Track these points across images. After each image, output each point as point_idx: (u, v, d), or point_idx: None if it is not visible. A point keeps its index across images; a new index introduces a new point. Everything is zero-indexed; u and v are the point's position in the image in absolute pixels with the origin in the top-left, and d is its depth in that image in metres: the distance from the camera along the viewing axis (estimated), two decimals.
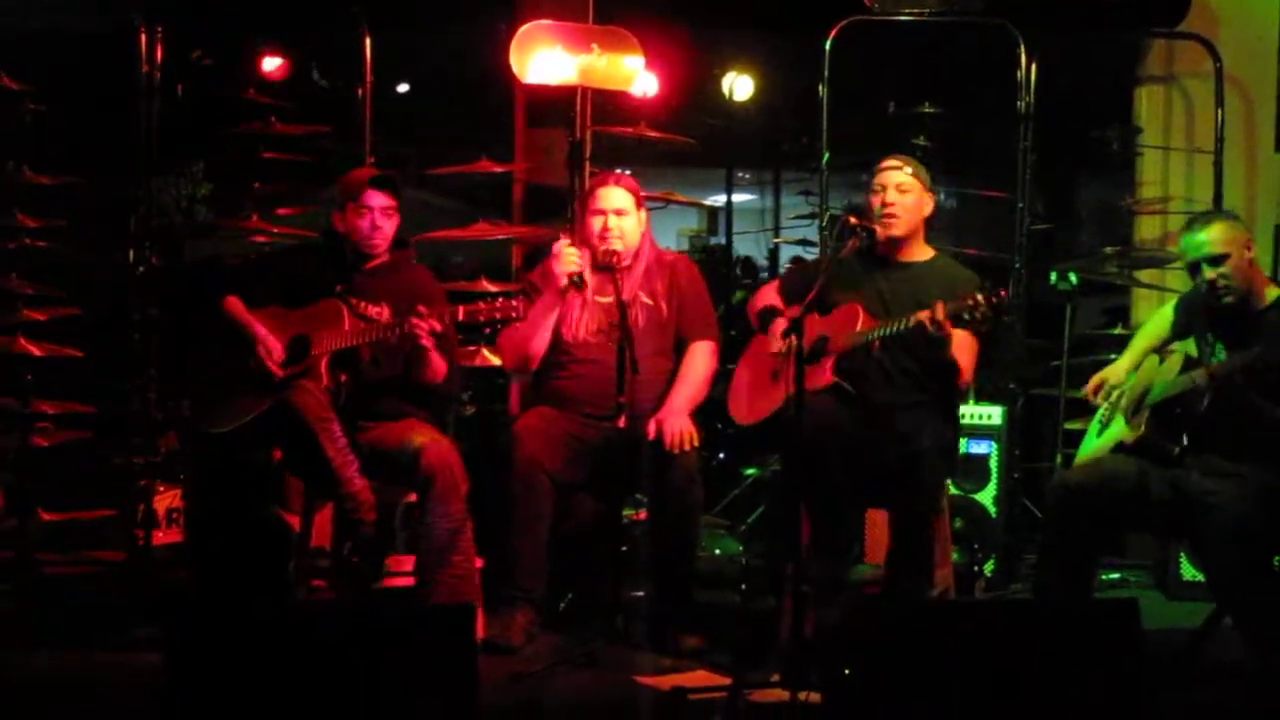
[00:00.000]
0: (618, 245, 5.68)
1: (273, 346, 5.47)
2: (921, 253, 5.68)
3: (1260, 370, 5.03)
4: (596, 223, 5.73)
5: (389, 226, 5.63)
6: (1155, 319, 5.72)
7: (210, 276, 5.75)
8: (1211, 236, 5.22)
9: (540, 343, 5.73)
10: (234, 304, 5.60)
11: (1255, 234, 5.51)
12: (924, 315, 5.16)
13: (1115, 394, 5.56)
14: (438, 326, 5.28)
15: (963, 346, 5.35)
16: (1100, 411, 5.64)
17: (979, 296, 5.07)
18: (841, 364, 5.45)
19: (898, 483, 5.40)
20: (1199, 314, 5.43)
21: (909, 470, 5.35)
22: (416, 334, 5.30)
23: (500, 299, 5.30)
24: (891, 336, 5.36)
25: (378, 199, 5.59)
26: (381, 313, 5.55)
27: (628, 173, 6.16)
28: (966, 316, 5.10)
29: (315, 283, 5.61)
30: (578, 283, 5.60)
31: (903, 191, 5.57)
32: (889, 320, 5.38)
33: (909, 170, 5.60)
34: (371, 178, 5.63)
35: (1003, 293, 5.11)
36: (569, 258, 5.62)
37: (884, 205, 5.57)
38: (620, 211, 5.73)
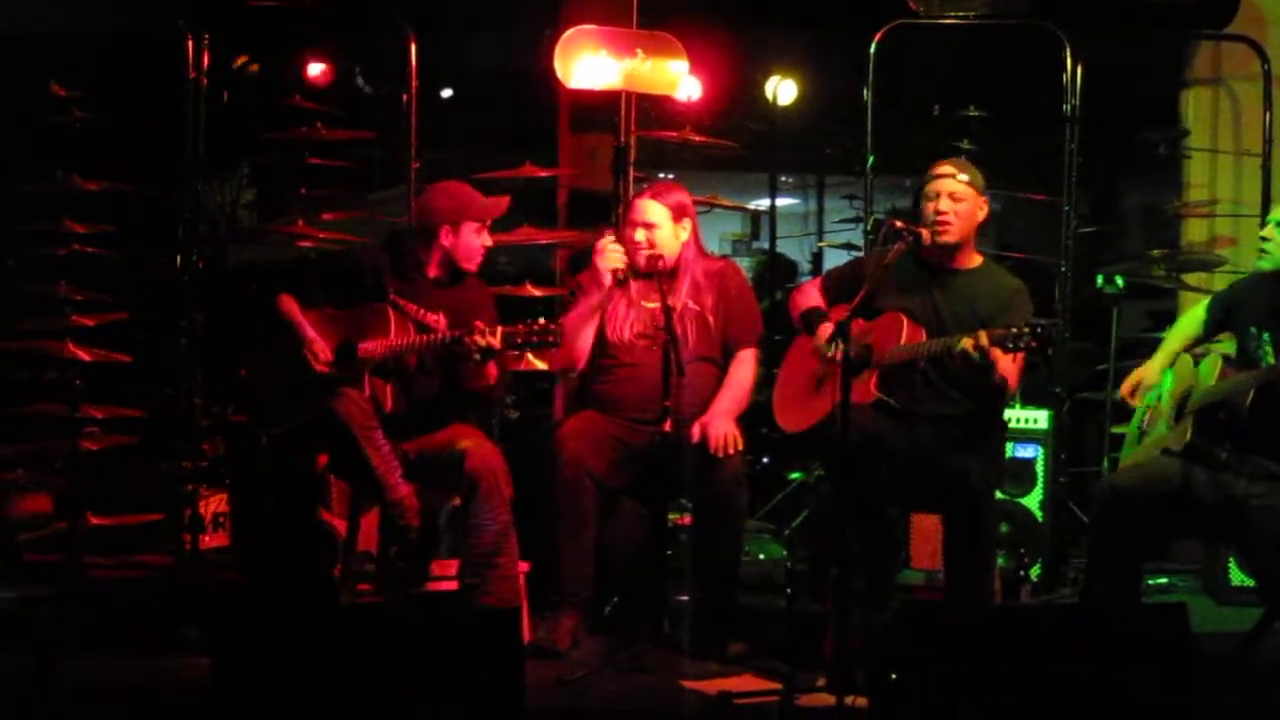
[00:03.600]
0: (650, 258, 5.68)
1: (320, 349, 5.48)
2: (971, 260, 5.61)
3: None
4: (628, 234, 5.77)
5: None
6: (1187, 317, 5.70)
7: (262, 276, 5.74)
8: None
9: (585, 342, 5.74)
10: (288, 302, 5.61)
11: None
12: (968, 343, 5.09)
13: (1152, 396, 5.53)
14: (494, 344, 5.28)
15: (1005, 358, 5.27)
16: (1138, 415, 5.61)
17: (1025, 329, 4.97)
18: (884, 377, 5.42)
19: (946, 493, 5.37)
20: (1244, 306, 5.39)
21: (957, 483, 5.31)
22: (469, 348, 5.30)
23: (539, 322, 5.28)
24: (934, 358, 5.34)
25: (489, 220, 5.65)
26: (439, 320, 5.55)
27: (670, 178, 6.16)
28: (1010, 345, 5.02)
29: (369, 287, 5.62)
30: (622, 280, 5.64)
31: (956, 200, 5.48)
32: (933, 341, 5.32)
33: (964, 177, 5.50)
34: (507, 205, 5.66)
35: (1045, 325, 5.02)
36: (613, 253, 5.65)
37: (937, 214, 5.47)
38: (650, 225, 5.73)
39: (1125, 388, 5.59)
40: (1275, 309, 5.28)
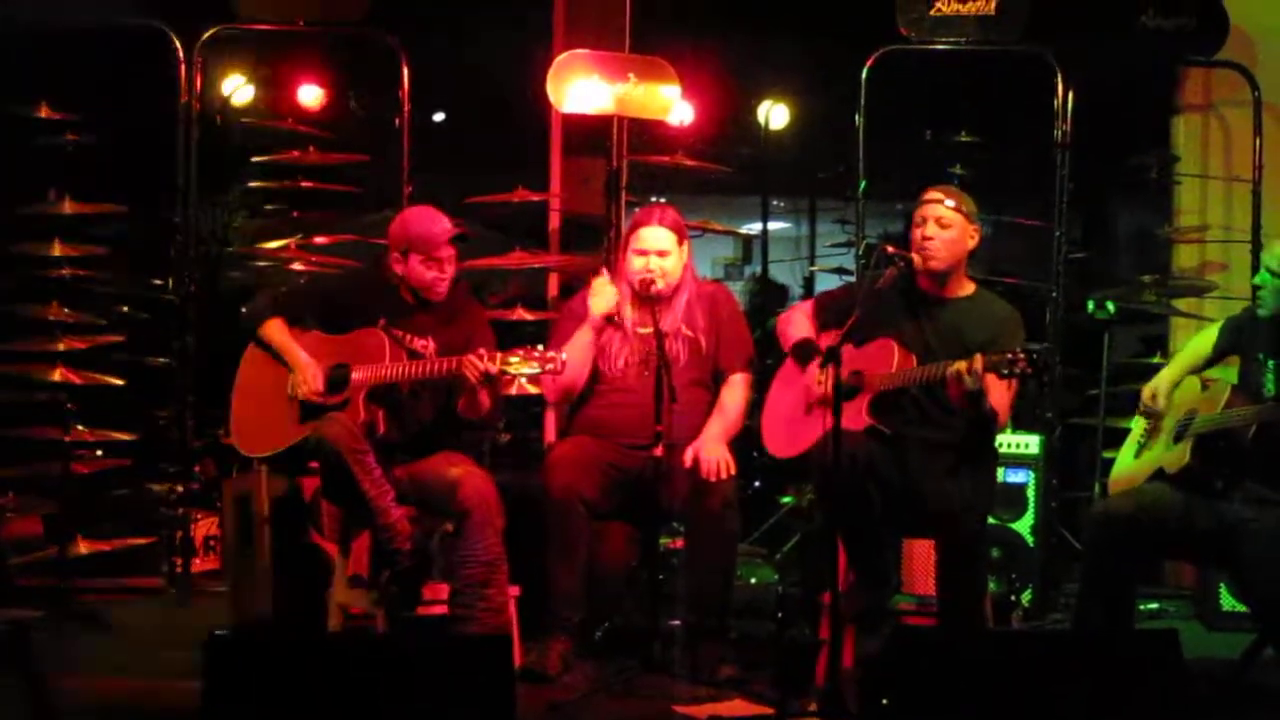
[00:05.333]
0: (660, 284, 5.69)
1: (313, 374, 5.46)
2: (963, 288, 5.57)
3: None
4: (638, 262, 5.72)
5: (452, 272, 5.61)
6: (1200, 338, 5.70)
7: (252, 300, 5.74)
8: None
9: (583, 373, 5.73)
10: (278, 327, 5.60)
11: None
12: (961, 366, 5.06)
13: (1162, 399, 5.53)
14: (493, 370, 5.25)
15: (997, 390, 5.26)
16: (1137, 430, 5.61)
17: (1020, 355, 4.95)
18: (876, 404, 5.41)
19: (937, 519, 5.37)
20: (1252, 334, 5.41)
21: (948, 509, 5.31)
22: (468, 375, 5.28)
23: (539, 350, 5.25)
24: (927, 384, 5.33)
25: (448, 251, 5.57)
26: (427, 346, 5.55)
27: (663, 201, 6.18)
28: (1005, 371, 5.00)
29: (360, 312, 5.59)
30: (612, 320, 5.62)
31: (944, 226, 5.44)
32: (925, 367, 5.29)
33: (951, 204, 5.46)
34: (448, 237, 5.54)
35: (1041, 352, 5.00)
36: (605, 297, 5.62)
37: (923, 239, 5.44)
38: (663, 253, 5.72)
39: (1146, 394, 5.58)
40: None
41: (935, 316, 5.51)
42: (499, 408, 5.71)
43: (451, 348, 5.46)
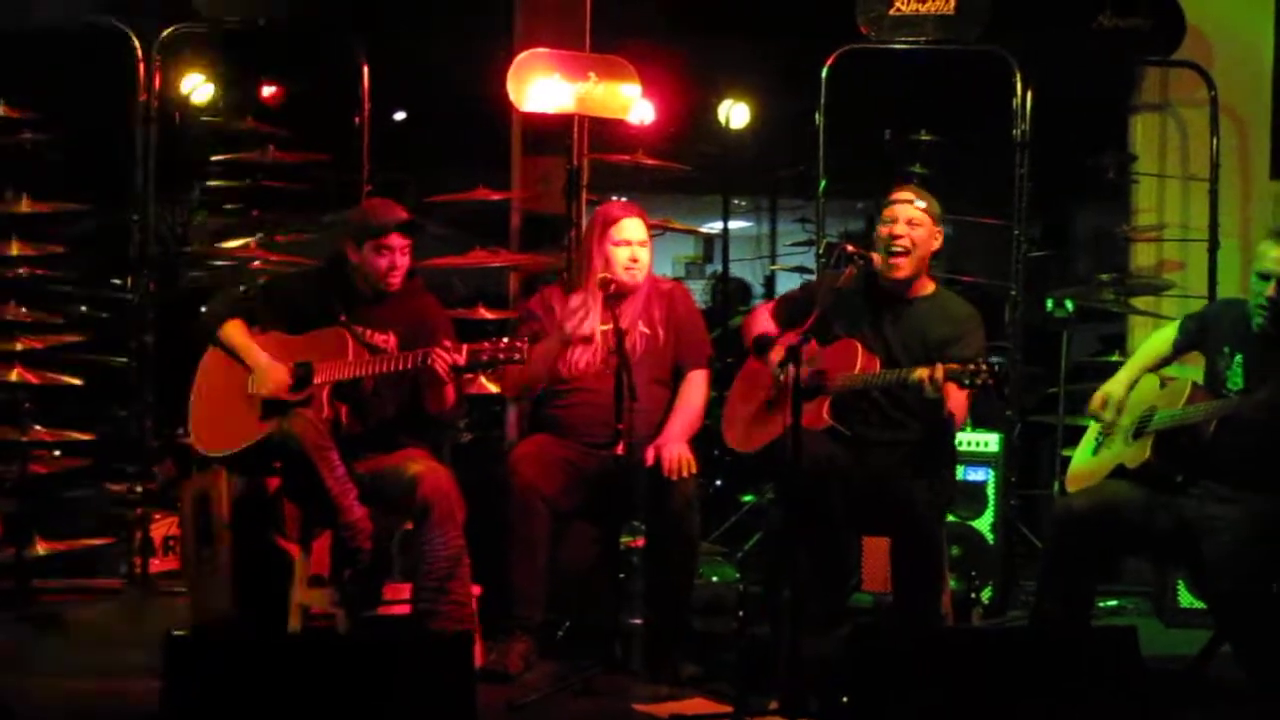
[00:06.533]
0: (638, 276, 5.70)
1: (275, 373, 5.45)
2: (925, 287, 5.63)
3: None
4: (622, 253, 5.71)
5: (406, 264, 5.62)
6: (1156, 337, 5.72)
7: (210, 302, 5.72)
8: (1271, 253, 5.25)
9: (543, 381, 5.74)
10: (236, 328, 5.58)
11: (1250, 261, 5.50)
12: (923, 375, 5.12)
13: (1110, 412, 5.55)
14: (460, 361, 5.26)
15: (956, 395, 5.30)
16: (1094, 427, 5.64)
17: (982, 366, 5.02)
18: (837, 404, 5.43)
19: (895, 518, 5.39)
20: (1219, 326, 5.44)
21: (906, 507, 5.34)
22: (437, 367, 5.29)
23: (504, 340, 5.27)
24: (886, 387, 5.37)
25: (400, 240, 5.57)
26: (388, 341, 5.54)
27: (624, 200, 6.19)
28: (967, 382, 5.06)
29: (319, 310, 5.58)
30: (586, 339, 5.62)
31: (913, 225, 5.49)
32: (887, 372, 5.36)
33: (921, 204, 5.52)
34: (398, 224, 5.55)
35: (1000, 363, 5.07)
36: (586, 325, 5.59)
37: (892, 238, 5.49)
38: (643, 243, 5.74)
39: (1095, 403, 5.61)
40: (1248, 332, 5.32)
41: (898, 316, 5.55)
42: (462, 402, 5.71)
43: (412, 341, 5.46)
